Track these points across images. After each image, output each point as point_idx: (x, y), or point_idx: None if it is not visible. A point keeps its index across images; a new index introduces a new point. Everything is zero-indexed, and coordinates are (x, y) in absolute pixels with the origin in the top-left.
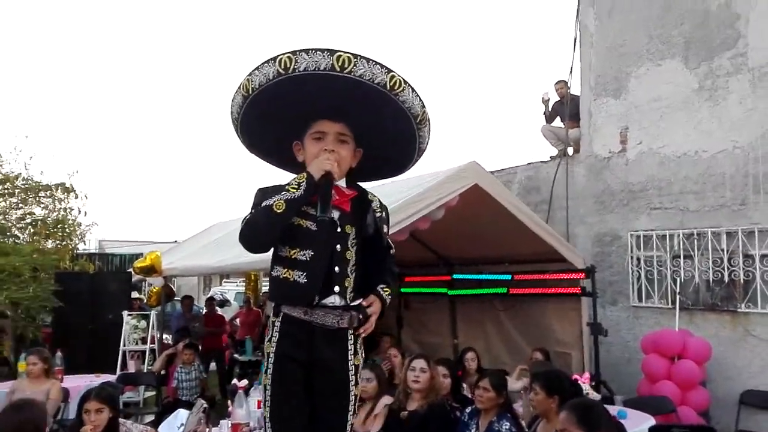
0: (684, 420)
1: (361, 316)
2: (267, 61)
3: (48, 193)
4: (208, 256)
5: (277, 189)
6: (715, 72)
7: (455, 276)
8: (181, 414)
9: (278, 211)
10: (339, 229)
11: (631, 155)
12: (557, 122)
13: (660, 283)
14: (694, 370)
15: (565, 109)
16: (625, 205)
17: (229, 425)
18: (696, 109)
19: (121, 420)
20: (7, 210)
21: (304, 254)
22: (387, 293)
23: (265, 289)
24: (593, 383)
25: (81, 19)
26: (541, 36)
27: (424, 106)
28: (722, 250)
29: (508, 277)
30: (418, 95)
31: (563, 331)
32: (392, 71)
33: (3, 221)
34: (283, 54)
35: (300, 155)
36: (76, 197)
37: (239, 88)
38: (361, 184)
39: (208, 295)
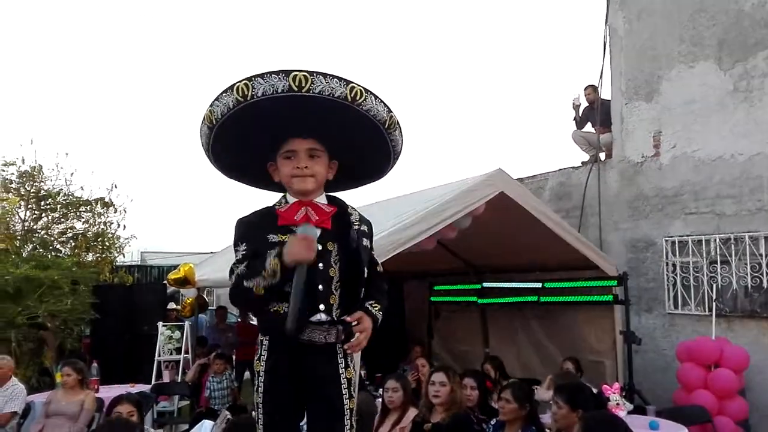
0: (721, 430)
1: (346, 331)
2: (225, 90)
3: (88, 207)
4: None
5: (261, 219)
6: (750, 73)
7: (485, 284)
8: (206, 425)
9: (258, 294)
10: (320, 247)
11: (664, 159)
12: (588, 127)
13: (696, 289)
14: (732, 379)
15: (596, 114)
16: (660, 210)
17: None
18: (731, 111)
19: (146, 428)
20: (49, 225)
21: (288, 285)
22: (377, 309)
23: None
24: (624, 393)
25: (117, 34)
26: (570, 40)
27: (390, 111)
28: (760, 255)
29: (539, 285)
30: (381, 101)
31: (596, 340)
32: (351, 82)
33: (45, 236)
34: (240, 81)
35: (275, 175)
36: (116, 211)
37: (203, 119)
38: (347, 191)
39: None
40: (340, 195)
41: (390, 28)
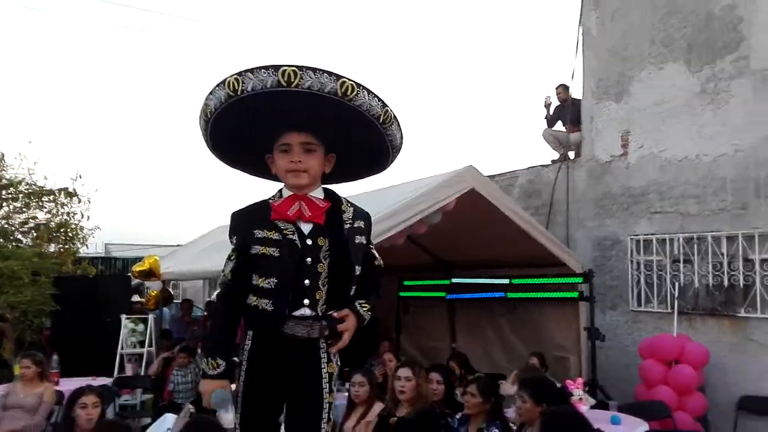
0: (680, 426)
1: (330, 327)
2: (218, 84)
3: (51, 197)
4: (206, 260)
5: (251, 214)
6: (718, 75)
7: (454, 280)
8: (168, 418)
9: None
10: (310, 242)
11: (632, 159)
12: (558, 126)
13: (660, 287)
14: (691, 375)
15: (567, 112)
16: (626, 209)
17: None
18: (698, 113)
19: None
20: (11, 214)
21: (269, 282)
22: (365, 309)
23: None
24: (587, 388)
25: (82, 22)
26: (542, 39)
27: (385, 105)
28: (722, 255)
29: (507, 281)
30: (375, 95)
31: (561, 336)
32: (342, 77)
33: (6, 225)
34: (230, 76)
35: (273, 168)
36: (79, 201)
37: (200, 112)
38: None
39: (208, 299)
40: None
41: (363, 24)
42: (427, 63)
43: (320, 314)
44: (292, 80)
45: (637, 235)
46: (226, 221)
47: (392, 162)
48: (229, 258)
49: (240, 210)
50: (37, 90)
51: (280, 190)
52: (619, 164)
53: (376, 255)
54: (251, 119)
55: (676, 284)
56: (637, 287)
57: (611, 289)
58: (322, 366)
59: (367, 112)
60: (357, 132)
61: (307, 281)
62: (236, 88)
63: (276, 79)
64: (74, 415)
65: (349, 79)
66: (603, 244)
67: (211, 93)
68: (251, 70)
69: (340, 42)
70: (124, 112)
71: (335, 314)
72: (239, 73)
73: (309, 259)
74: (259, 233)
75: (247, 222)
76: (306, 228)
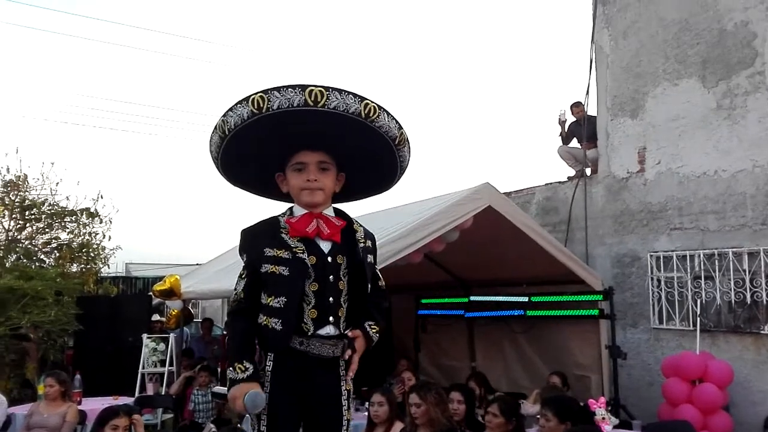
0: None
1: (350, 346)
2: (240, 102)
3: (73, 218)
4: (226, 279)
5: (261, 232)
6: (733, 91)
7: (472, 298)
8: None
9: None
10: (330, 260)
11: (649, 175)
12: (574, 143)
13: (681, 304)
14: (716, 394)
15: (582, 129)
16: (645, 225)
17: None
18: (714, 128)
19: None
20: (34, 235)
21: (278, 301)
22: (374, 331)
23: None
24: (610, 407)
25: (104, 46)
26: (557, 57)
27: (401, 128)
28: (744, 271)
29: (525, 299)
30: (393, 118)
31: (582, 354)
32: (366, 99)
33: (29, 246)
34: (255, 94)
35: (284, 186)
36: (101, 222)
37: (215, 128)
38: (354, 201)
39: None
40: (342, 206)
41: (379, 38)
42: (442, 80)
43: (342, 332)
44: (319, 100)
45: (656, 252)
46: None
47: (397, 182)
48: (240, 276)
49: (250, 227)
50: (58, 111)
51: (291, 208)
52: (637, 180)
53: (380, 276)
54: (266, 138)
55: (698, 301)
56: (658, 304)
57: (632, 307)
58: (341, 384)
59: (386, 133)
60: (368, 152)
61: (331, 299)
62: (261, 106)
63: (303, 99)
64: None
65: (372, 101)
66: (623, 261)
67: (230, 110)
68: (278, 89)
69: (355, 59)
70: (143, 133)
71: (350, 334)
72: (265, 92)
73: (331, 277)
74: (269, 252)
75: (257, 240)
76: (325, 246)
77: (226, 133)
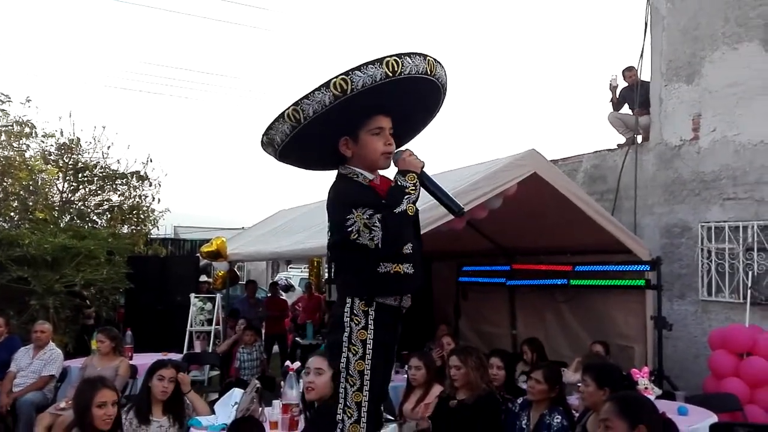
0: (752, 419)
1: None
2: (319, 89)
3: (124, 181)
4: (270, 242)
5: (361, 189)
6: None
7: (514, 266)
8: (236, 393)
9: (411, 214)
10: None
11: (703, 143)
12: (625, 109)
13: (732, 276)
14: (764, 368)
15: (635, 95)
16: (697, 195)
17: (280, 405)
18: None
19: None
20: (86, 197)
21: (408, 247)
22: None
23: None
24: (653, 378)
25: (162, 13)
26: (610, 20)
27: (443, 67)
28: None
29: (569, 267)
30: (442, 66)
31: (626, 324)
32: (427, 56)
33: (82, 207)
34: (336, 77)
35: (347, 150)
36: (150, 185)
37: (286, 118)
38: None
39: (272, 281)
40: None
41: (425, 7)
42: (492, 46)
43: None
44: (396, 69)
45: (708, 222)
46: (287, 205)
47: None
48: (367, 227)
49: (348, 188)
50: (112, 78)
51: (354, 172)
52: (690, 148)
53: None
54: (338, 118)
55: (750, 273)
56: (707, 276)
57: (680, 278)
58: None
59: (443, 86)
60: (424, 106)
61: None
62: (345, 88)
63: (383, 72)
64: (151, 384)
65: (430, 56)
66: (672, 231)
67: (306, 98)
68: (358, 68)
69: (403, 20)
70: (192, 101)
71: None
72: (345, 73)
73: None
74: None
75: (369, 195)
76: None
77: (302, 120)
